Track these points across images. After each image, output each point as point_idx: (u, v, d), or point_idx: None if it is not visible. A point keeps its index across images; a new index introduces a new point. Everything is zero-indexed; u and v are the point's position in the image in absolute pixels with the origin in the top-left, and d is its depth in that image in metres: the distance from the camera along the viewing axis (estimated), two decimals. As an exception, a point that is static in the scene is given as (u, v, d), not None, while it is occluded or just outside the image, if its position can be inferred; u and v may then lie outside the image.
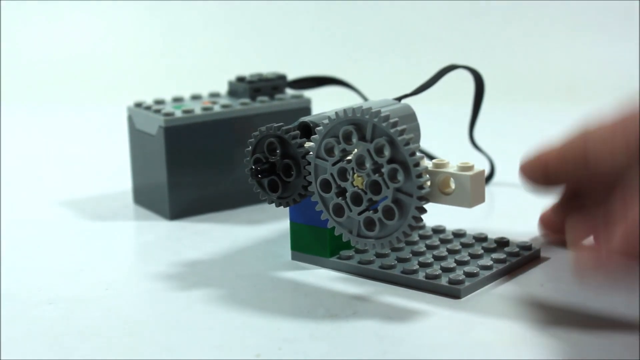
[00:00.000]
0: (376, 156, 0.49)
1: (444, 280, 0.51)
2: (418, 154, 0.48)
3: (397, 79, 1.15)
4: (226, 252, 0.59)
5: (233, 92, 0.72)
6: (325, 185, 0.52)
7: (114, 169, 0.81)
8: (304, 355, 0.44)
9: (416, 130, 0.57)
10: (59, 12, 1.37)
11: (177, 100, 0.71)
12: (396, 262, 0.54)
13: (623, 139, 0.49)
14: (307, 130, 0.55)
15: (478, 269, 0.52)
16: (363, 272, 0.54)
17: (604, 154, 0.49)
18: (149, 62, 1.30)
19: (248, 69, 0.77)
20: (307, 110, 0.71)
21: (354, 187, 0.50)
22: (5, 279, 0.55)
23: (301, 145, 0.53)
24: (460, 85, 0.82)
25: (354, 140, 0.49)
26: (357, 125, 0.49)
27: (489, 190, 0.72)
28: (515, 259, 0.54)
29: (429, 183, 0.49)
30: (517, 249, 0.55)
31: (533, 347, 0.44)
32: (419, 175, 0.48)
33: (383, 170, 0.49)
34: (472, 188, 0.49)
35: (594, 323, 0.46)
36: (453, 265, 0.52)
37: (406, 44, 1.25)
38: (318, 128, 0.51)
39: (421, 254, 0.55)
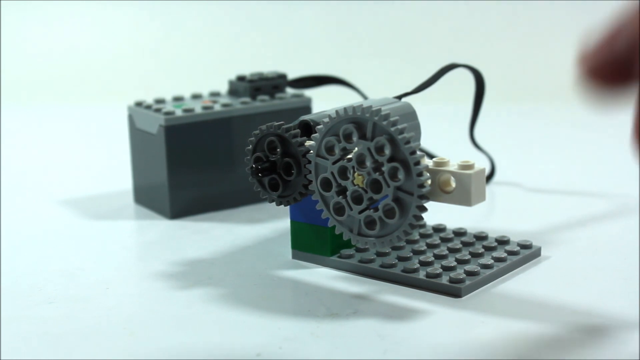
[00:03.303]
0: (376, 155, 0.49)
1: (444, 279, 0.51)
2: (418, 152, 0.48)
3: (397, 78, 1.15)
4: (227, 251, 0.59)
5: (233, 91, 0.72)
6: (326, 184, 0.51)
7: (115, 168, 0.81)
8: (305, 354, 0.44)
9: (416, 128, 0.57)
10: (59, 12, 1.37)
11: (178, 99, 0.71)
12: (397, 260, 0.53)
13: None
14: (307, 129, 0.55)
15: (479, 268, 0.52)
16: (364, 271, 0.54)
17: None
18: (149, 61, 1.30)
19: (248, 68, 0.77)
20: (307, 109, 0.71)
21: (355, 185, 0.50)
22: (5, 279, 0.55)
23: (301, 144, 0.53)
24: (461, 84, 0.82)
25: (355, 138, 0.49)
26: (358, 123, 0.49)
27: (490, 189, 0.72)
28: (516, 258, 0.54)
29: (429, 182, 0.49)
30: (517, 248, 0.55)
31: (533, 347, 0.44)
32: (420, 174, 0.48)
33: (383, 168, 0.49)
34: (473, 187, 0.48)
35: (593, 323, 0.46)
36: (454, 264, 0.52)
37: (406, 43, 1.25)
38: (318, 127, 0.51)
39: (422, 252, 0.54)
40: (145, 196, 0.70)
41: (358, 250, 0.55)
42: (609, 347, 0.44)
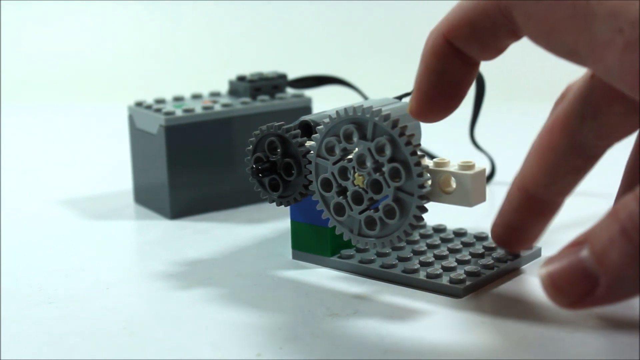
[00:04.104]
0: (377, 155, 0.49)
1: (444, 280, 0.51)
2: (419, 153, 0.48)
3: (397, 78, 1.15)
4: (227, 251, 0.59)
5: (234, 91, 0.72)
6: (326, 184, 0.51)
7: (115, 168, 0.81)
8: (305, 354, 0.44)
9: (417, 129, 0.57)
10: (59, 12, 1.37)
11: (178, 99, 0.71)
12: (397, 261, 0.53)
13: None
14: (307, 129, 0.54)
15: (479, 268, 0.52)
16: (364, 271, 0.54)
17: None
18: (149, 61, 1.30)
19: (249, 68, 0.77)
20: (307, 109, 0.71)
21: (355, 186, 0.50)
22: (6, 279, 0.55)
23: (302, 144, 0.53)
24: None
25: (355, 139, 0.49)
26: (358, 124, 0.49)
27: (490, 189, 0.71)
28: (516, 258, 0.54)
29: (429, 182, 0.49)
30: (518, 248, 0.55)
31: (533, 347, 0.44)
32: (420, 174, 0.48)
33: (384, 169, 0.49)
34: (473, 187, 0.48)
35: (593, 323, 0.46)
36: (454, 264, 0.52)
37: (406, 43, 1.25)
38: (319, 127, 0.51)
39: (422, 253, 0.54)
40: (145, 196, 0.70)
41: (358, 250, 0.55)
42: (609, 347, 0.44)
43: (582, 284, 0.38)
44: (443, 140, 0.84)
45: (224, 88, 0.74)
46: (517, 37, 0.43)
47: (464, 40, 0.44)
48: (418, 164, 0.48)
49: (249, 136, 0.55)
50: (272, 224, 0.65)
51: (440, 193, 0.49)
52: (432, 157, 0.72)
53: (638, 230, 0.36)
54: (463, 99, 0.46)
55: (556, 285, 0.39)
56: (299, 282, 0.53)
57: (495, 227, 0.51)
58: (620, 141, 0.47)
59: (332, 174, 0.51)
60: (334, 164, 0.51)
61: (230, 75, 0.73)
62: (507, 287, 0.51)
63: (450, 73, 0.45)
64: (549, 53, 0.42)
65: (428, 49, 0.45)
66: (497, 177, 0.75)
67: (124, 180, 0.75)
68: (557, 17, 0.39)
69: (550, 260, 0.40)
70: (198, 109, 0.67)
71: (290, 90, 0.73)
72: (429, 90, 0.46)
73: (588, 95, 0.45)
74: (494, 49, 0.44)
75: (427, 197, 0.49)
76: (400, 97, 0.59)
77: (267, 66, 0.86)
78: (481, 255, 0.54)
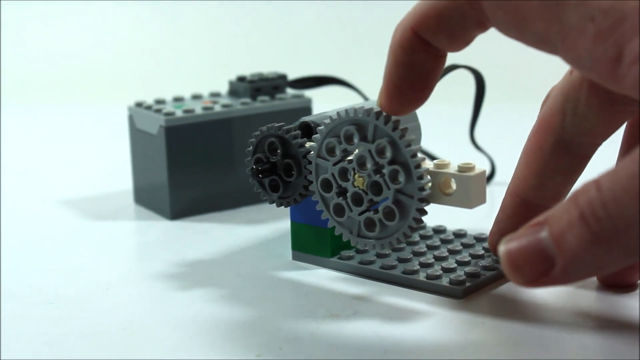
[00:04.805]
0: (377, 157, 0.49)
1: (444, 281, 0.51)
2: (419, 155, 0.48)
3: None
4: (227, 252, 0.59)
5: (234, 91, 0.72)
6: (326, 185, 0.51)
7: (115, 169, 0.81)
8: (305, 355, 0.44)
9: (417, 130, 0.57)
10: (59, 12, 1.37)
11: (178, 99, 0.71)
12: (397, 262, 0.53)
13: None
14: (307, 130, 0.55)
15: (479, 270, 0.52)
16: (364, 272, 0.54)
17: None
18: (149, 62, 1.30)
19: (249, 69, 0.77)
20: (307, 110, 0.71)
21: (355, 187, 0.50)
22: (6, 279, 0.55)
23: (302, 145, 0.53)
24: (461, 85, 0.82)
25: (355, 140, 0.49)
26: (359, 125, 0.49)
27: (490, 190, 0.71)
28: (516, 259, 0.54)
29: (429, 184, 0.49)
30: (518, 249, 0.55)
31: (533, 347, 0.44)
32: (420, 177, 0.48)
33: (384, 171, 0.49)
34: (473, 189, 0.48)
35: (593, 324, 0.46)
36: (454, 265, 0.52)
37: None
38: (319, 128, 0.51)
39: (422, 254, 0.54)
40: (145, 197, 0.70)
41: (358, 251, 0.55)
42: (608, 347, 0.44)
43: (539, 264, 0.38)
44: (443, 141, 0.84)
45: (224, 88, 0.74)
46: (485, 28, 0.43)
47: (432, 33, 0.44)
48: (418, 166, 0.48)
49: (249, 137, 0.55)
50: (272, 224, 0.65)
51: (441, 195, 0.49)
52: (432, 158, 0.72)
53: (595, 217, 0.36)
54: (432, 90, 0.46)
55: (514, 263, 0.39)
56: (298, 282, 0.54)
57: (492, 236, 0.52)
58: (605, 139, 0.47)
59: (332, 174, 0.51)
60: (334, 164, 0.51)
61: (230, 76, 0.73)
62: (507, 288, 0.51)
63: (419, 65, 0.45)
64: (519, 42, 0.42)
65: (396, 41, 0.45)
66: (497, 178, 0.75)
67: (124, 180, 0.75)
68: (527, 6, 0.39)
69: (510, 238, 0.40)
70: (198, 110, 0.67)
71: (290, 91, 0.73)
72: (398, 83, 0.46)
73: (568, 92, 0.46)
74: (462, 41, 0.44)
75: (427, 200, 0.49)
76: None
77: (267, 66, 0.86)
78: (481, 257, 0.54)
